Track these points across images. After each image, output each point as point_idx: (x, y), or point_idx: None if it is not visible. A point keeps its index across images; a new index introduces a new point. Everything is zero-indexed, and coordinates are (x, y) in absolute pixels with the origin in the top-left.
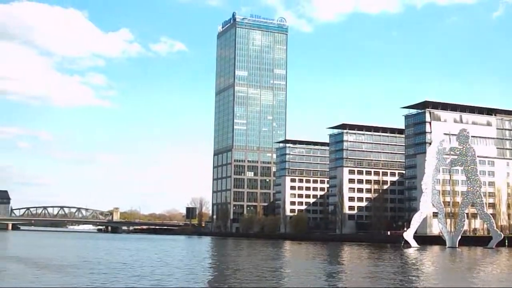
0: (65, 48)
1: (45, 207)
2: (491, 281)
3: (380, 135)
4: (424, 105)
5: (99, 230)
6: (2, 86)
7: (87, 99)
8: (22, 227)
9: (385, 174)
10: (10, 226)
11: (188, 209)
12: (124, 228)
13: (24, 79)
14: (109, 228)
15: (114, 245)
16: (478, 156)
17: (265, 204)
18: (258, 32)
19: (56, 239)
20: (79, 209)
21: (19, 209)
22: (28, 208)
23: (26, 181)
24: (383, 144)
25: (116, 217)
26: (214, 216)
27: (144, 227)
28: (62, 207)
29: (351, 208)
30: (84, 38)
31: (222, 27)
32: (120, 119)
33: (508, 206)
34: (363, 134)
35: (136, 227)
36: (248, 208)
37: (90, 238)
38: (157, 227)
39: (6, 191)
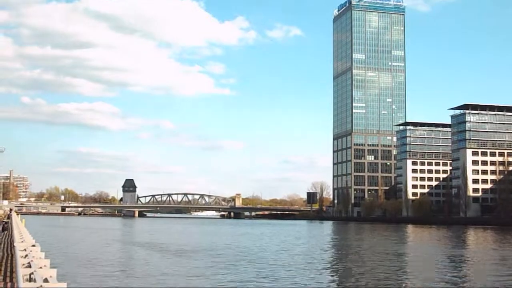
0: (184, 38)
1: (169, 194)
2: None
3: (504, 115)
4: None
5: (222, 216)
6: (125, 78)
7: (208, 88)
8: (148, 214)
9: (510, 155)
10: (136, 213)
11: (309, 194)
12: (246, 213)
13: (146, 71)
14: (232, 214)
15: (239, 230)
16: None
17: (386, 188)
18: (374, 14)
19: (183, 225)
20: (202, 195)
21: (145, 196)
22: (153, 196)
23: (150, 169)
24: (508, 124)
25: (238, 203)
26: (335, 201)
27: (266, 212)
28: (185, 194)
29: (475, 190)
30: (202, 28)
31: (338, 11)
32: (240, 106)
33: None
34: (486, 114)
35: (258, 212)
36: (369, 192)
37: (214, 224)
38: (278, 212)
39: (132, 180)
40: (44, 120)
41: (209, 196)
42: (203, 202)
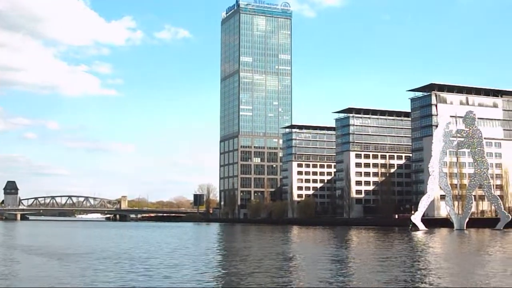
0: (70, 37)
1: (53, 197)
2: (500, 263)
3: (386, 119)
4: (430, 87)
5: (107, 219)
6: (9, 76)
7: (94, 88)
8: (30, 217)
9: (391, 157)
10: (18, 217)
11: (195, 196)
12: (132, 216)
13: (31, 70)
14: (117, 216)
15: (122, 233)
16: (484, 138)
17: (272, 189)
18: (262, 17)
19: (64, 228)
20: (87, 198)
21: (27, 199)
22: (36, 198)
23: (34, 171)
24: (389, 127)
25: (124, 206)
26: (222, 203)
27: (152, 214)
28: (70, 197)
29: (358, 192)
30: (88, 27)
31: (226, 13)
32: (126, 107)
33: None
34: (369, 117)
35: (144, 215)
36: (256, 194)
37: (98, 227)
38: (165, 214)
39: (14, 182)
40: None
41: (94, 198)
42: (88, 204)
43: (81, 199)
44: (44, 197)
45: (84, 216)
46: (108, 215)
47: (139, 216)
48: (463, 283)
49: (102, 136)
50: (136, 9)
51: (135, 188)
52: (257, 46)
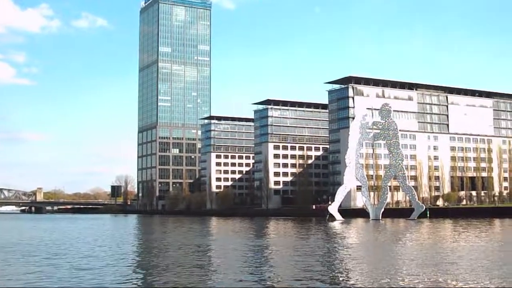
0: None
1: None
2: (413, 252)
3: (304, 111)
4: (347, 80)
5: (22, 211)
6: None
7: (9, 77)
8: None
9: (309, 149)
10: None
11: (113, 187)
12: (48, 208)
13: None
14: (33, 208)
15: (36, 225)
16: (400, 130)
17: (191, 181)
18: (181, 7)
19: None
20: (1, 190)
21: None
22: None
23: None
24: (307, 119)
25: (40, 197)
26: (140, 194)
27: (69, 206)
28: None
29: (276, 183)
30: (2, 15)
31: (145, 3)
32: (42, 97)
33: (429, 179)
34: (288, 109)
35: (60, 207)
36: (174, 185)
37: (12, 219)
38: (81, 206)
39: None
40: None
41: (9, 190)
42: (2, 196)
43: None
44: None
45: None
46: (23, 207)
47: (55, 208)
48: (376, 270)
49: (17, 127)
50: None
51: (51, 179)
52: (176, 36)
